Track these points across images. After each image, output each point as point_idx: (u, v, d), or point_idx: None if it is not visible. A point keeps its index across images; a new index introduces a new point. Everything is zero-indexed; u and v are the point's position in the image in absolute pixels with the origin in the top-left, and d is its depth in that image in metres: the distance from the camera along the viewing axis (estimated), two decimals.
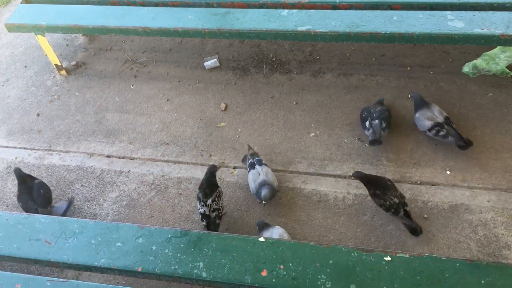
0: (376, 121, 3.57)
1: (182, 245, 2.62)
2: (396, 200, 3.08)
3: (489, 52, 3.84)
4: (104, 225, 2.76)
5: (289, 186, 3.56)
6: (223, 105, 4.13)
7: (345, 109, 3.94)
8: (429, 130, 3.52)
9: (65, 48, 4.93)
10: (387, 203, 3.09)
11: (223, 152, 3.84)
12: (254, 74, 4.38)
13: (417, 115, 3.61)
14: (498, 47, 3.78)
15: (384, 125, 3.56)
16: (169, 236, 2.67)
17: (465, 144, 3.42)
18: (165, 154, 3.89)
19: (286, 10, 3.82)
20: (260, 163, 3.43)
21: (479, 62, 3.86)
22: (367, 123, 3.60)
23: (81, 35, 4.97)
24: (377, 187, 3.15)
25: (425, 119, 3.54)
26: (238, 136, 3.92)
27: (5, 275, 2.65)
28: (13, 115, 4.37)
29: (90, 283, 2.62)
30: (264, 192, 3.25)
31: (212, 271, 2.49)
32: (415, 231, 3.11)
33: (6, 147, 4.14)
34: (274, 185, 3.32)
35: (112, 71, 4.62)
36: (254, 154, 3.58)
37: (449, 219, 3.23)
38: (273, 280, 2.42)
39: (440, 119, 3.50)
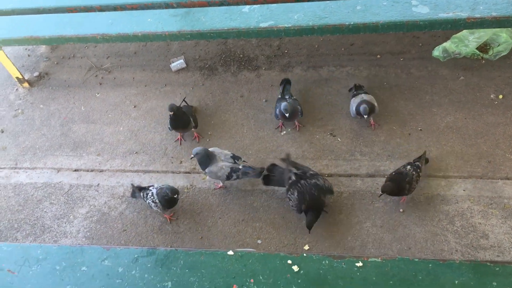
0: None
1: (149, 265, 2.53)
2: None
3: (458, 35, 3.75)
4: (68, 249, 2.66)
5: (263, 188, 3.47)
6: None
7: (316, 103, 3.85)
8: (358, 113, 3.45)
9: (26, 59, 4.76)
10: None
11: None
12: (222, 73, 4.26)
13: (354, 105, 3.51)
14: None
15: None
16: (136, 256, 2.57)
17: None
18: (134, 163, 3.78)
19: (248, 6, 3.67)
20: None
21: (448, 45, 3.77)
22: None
23: None
24: None
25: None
26: (209, 140, 3.81)
27: None
28: None
29: None
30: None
31: None
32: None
33: None
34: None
35: (76, 80, 4.47)
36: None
37: (426, 211, 3.17)
38: None
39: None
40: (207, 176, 3.57)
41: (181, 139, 3.83)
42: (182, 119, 3.62)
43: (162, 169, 3.71)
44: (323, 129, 3.68)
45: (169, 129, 3.72)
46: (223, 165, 3.26)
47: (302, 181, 3.10)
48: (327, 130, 3.68)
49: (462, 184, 3.25)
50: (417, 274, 2.29)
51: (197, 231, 3.35)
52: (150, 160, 3.77)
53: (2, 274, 2.61)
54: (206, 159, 3.28)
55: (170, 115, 3.52)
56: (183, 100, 3.83)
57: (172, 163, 3.73)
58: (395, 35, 4.17)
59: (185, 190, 3.56)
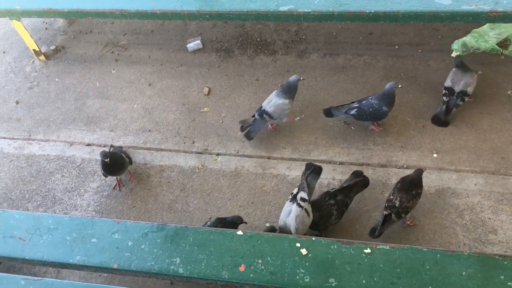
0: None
1: (158, 240, 2.55)
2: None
3: (478, 29, 3.70)
4: (79, 221, 2.69)
5: (274, 172, 3.48)
6: (206, 89, 4.02)
7: (331, 91, 3.83)
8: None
9: (44, 32, 4.78)
10: None
11: (206, 138, 3.75)
12: (238, 55, 4.25)
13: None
14: (487, 24, 3.63)
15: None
16: (146, 231, 2.60)
17: None
18: (147, 141, 3.80)
19: None
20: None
21: (468, 39, 3.72)
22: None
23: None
24: None
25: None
26: (222, 122, 3.82)
27: None
28: None
29: (65, 281, 2.58)
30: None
31: (189, 267, 2.43)
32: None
33: None
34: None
35: (92, 55, 4.48)
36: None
37: (435, 203, 3.17)
38: (251, 275, 2.37)
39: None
40: (219, 158, 3.60)
41: (119, 184, 3.57)
42: (117, 162, 3.34)
43: (174, 148, 3.72)
44: (338, 117, 3.66)
45: (104, 175, 3.47)
46: None
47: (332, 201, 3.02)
48: (341, 118, 3.66)
49: (474, 178, 3.24)
50: (424, 263, 2.29)
51: (206, 211, 3.37)
52: (162, 138, 3.79)
53: (13, 241, 2.65)
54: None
55: (104, 162, 3.21)
56: (111, 146, 3.63)
57: (185, 143, 3.74)
58: (415, 26, 4.13)
59: (196, 170, 3.58)
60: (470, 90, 3.44)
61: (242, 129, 3.61)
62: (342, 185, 3.10)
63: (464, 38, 3.77)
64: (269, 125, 3.66)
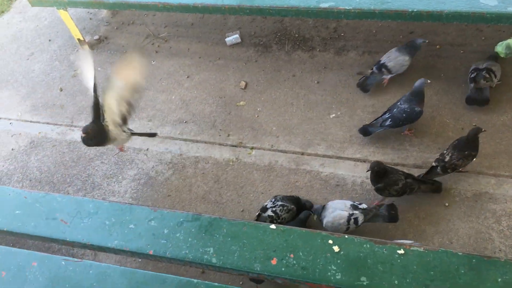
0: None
1: (193, 230, 2.61)
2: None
3: None
4: (118, 206, 2.78)
5: (307, 168, 3.49)
6: (243, 83, 4.06)
7: None
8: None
9: (88, 22, 4.91)
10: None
11: (241, 131, 3.79)
12: (275, 51, 4.26)
13: None
14: None
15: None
16: (181, 220, 2.66)
17: None
18: (183, 132, 3.87)
19: None
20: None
21: None
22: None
23: None
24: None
25: None
26: (257, 116, 3.85)
27: (22, 253, 2.73)
28: (37, 90, 4.43)
29: (103, 264, 2.66)
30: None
31: (222, 257, 2.48)
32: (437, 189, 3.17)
33: (31, 121, 4.21)
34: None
35: (133, 46, 4.58)
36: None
37: (472, 208, 3.11)
38: (283, 269, 2.39)
39: None
40: (253, 151, 3.63)
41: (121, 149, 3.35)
42: (99, 137, 2.93)
43: (209, 140, 3.78)
44: (374, 116, 3.63)
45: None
46: None
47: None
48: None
49: None
50: (459, 267, 2.27)
51: (239, 203, 3.42)
52: (198, 130, 3.86)
53: (55, 223, 2.76)
54: None
55: (81, 137, 2.87)
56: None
57: (220, 135, 3.79)
58: (457, 26, 4.05)
59: (230, 163, 3.63)
60: (495, 69, 3.48)
61: (358, 84, 3.82)
62: (419, 176, 3.17)
63: (508, 40, 3.66)
64: (385, 79, 3.77)
